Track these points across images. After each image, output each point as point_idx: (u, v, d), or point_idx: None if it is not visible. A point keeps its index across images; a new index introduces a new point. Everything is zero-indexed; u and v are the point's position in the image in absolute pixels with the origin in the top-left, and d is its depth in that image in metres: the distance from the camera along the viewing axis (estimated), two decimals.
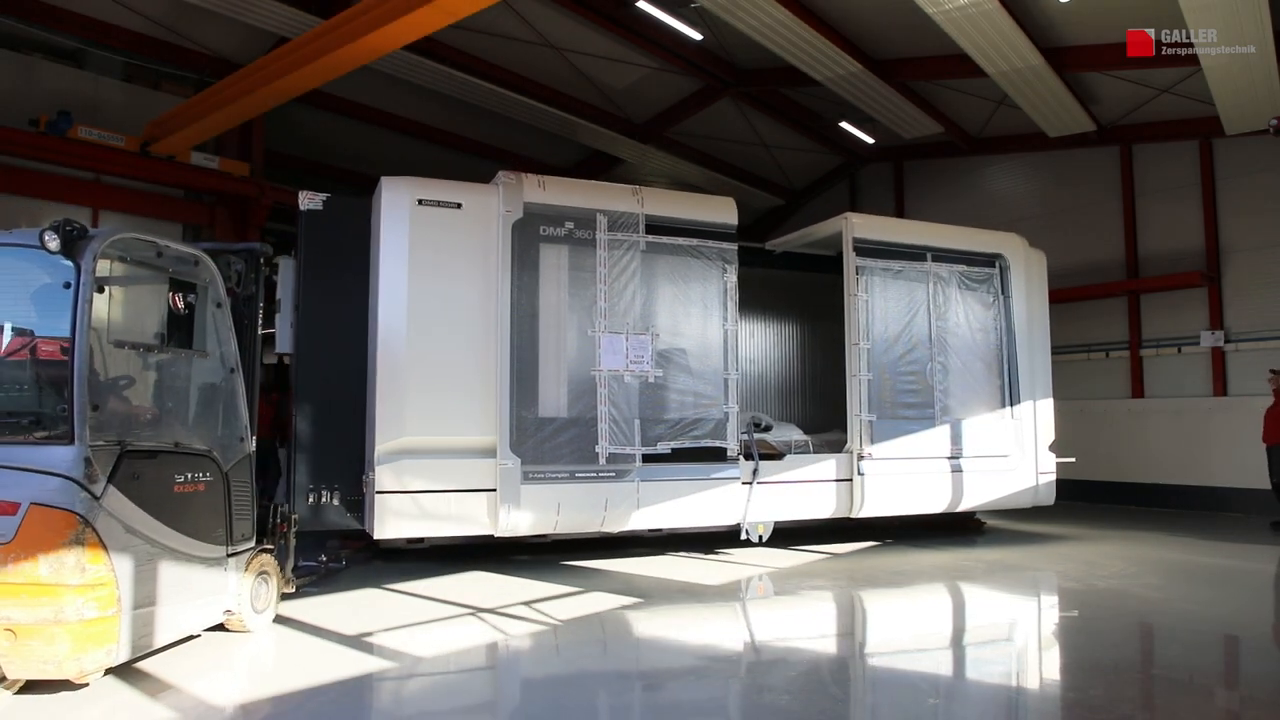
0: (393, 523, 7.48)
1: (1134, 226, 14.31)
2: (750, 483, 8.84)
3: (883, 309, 9.70)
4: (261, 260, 5.97)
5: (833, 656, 5.90)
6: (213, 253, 5.62)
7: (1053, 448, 10.56)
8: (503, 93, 13.22)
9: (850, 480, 9.29)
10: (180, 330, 5.17)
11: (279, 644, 5.56)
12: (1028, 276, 10.69)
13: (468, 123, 14.67)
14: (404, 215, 7.73)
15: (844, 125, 15.34)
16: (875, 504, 9.36)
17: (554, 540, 8.70)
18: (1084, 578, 7.96)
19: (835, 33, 11.61)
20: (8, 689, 4.29)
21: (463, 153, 15.57)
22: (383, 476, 7.42)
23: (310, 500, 6.87)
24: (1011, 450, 10.16)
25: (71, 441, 4.30)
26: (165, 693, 4.56)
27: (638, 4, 11.20)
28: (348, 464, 7.65)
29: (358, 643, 5.59)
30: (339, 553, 8.21)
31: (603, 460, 8.06)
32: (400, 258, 7.67)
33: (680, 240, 8.70)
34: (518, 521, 7.76)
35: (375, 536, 7.53)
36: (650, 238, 8.55)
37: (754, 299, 11.81)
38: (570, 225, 8.24)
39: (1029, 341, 10.55)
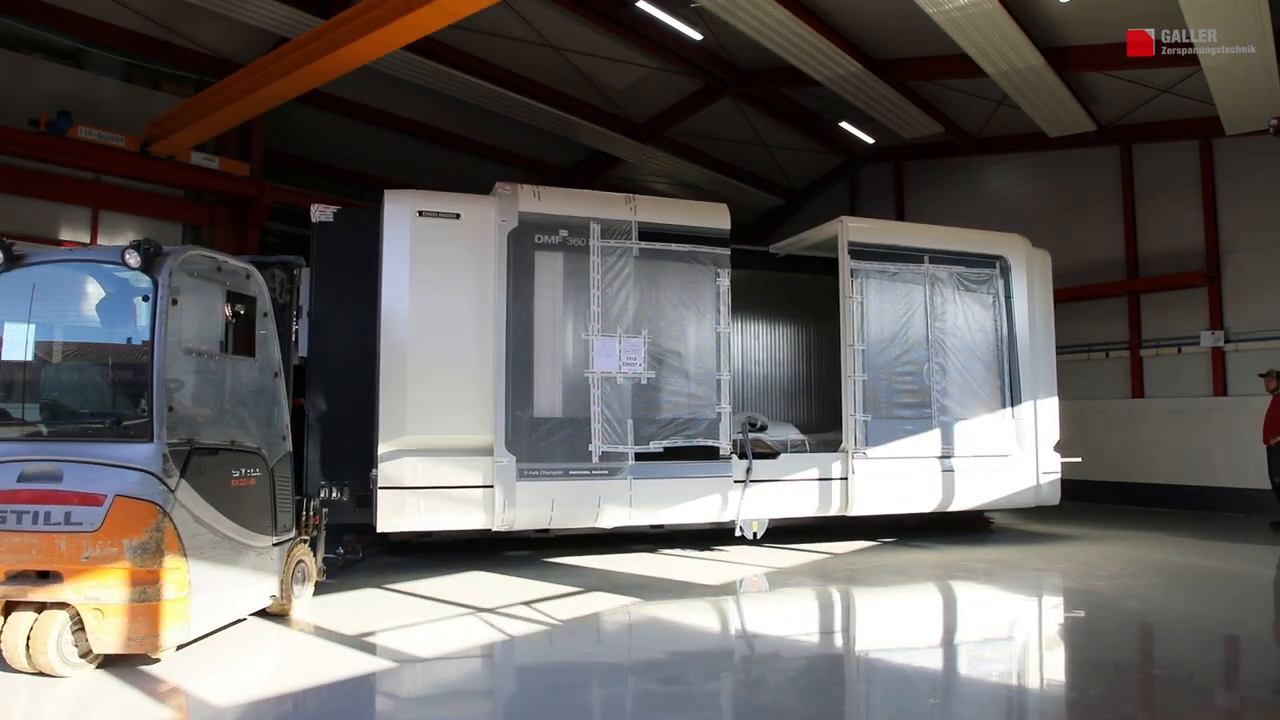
0: (395, 517, 7.83)
1: (1134, 226, 14.31)
2: (743, 481, 8.97)
3: (878, 311, 9.79)
4: (294, 271, 6.45)
5: (829, 655, 5.89)
6: (257, 265, 6.08)
7: (1058, 447, 10.57)
8: (503, 93, 13.22)
9: (845, 479, 9.40)
10: (237, 338, 5.71)
11: (280, 643, 5.58)
12: (1030, 277, 10.70)
13: (468, 123, 14.67)
14: (405, 226, 8.08)
15: (844, 125, 15.35)
16: (868, 503, 9.44)
17: (556, 536, 8.98)
18: (1084, 577, 7.97)
19: (835, 33, 11.61)
20: (90, 663, 4.73)
21: (463, 153, 15.56)
22: (386, 473, 7.79)
23: (322, 496, 7.06)
24: (1012, 450, 10.17)
25: (151, 439, 4.76)
26: (165, 693, 4.57)
27: (638, 4, 11.20)
28: (358, 462, 7.97)
29: (358, 642, 5.60)
30: (355, 545, 8.47)
31: (596, 458, 8.36)
32: (402, 266, 8.03)
33: (673, 246, 8.93)
34: (513, 516, 8.08)
35: (379, 530, 7.86)
36: (643, 244, 8.81)
37: (759, 301, 11.96)
38: (564, 233, 8.54)
39: (1032, 341, 10.55)
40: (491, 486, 8.02)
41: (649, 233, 8.84)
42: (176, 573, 4.76)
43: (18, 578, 4.63)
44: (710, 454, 8.78)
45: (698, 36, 12.19)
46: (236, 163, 11.69)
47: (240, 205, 11.82)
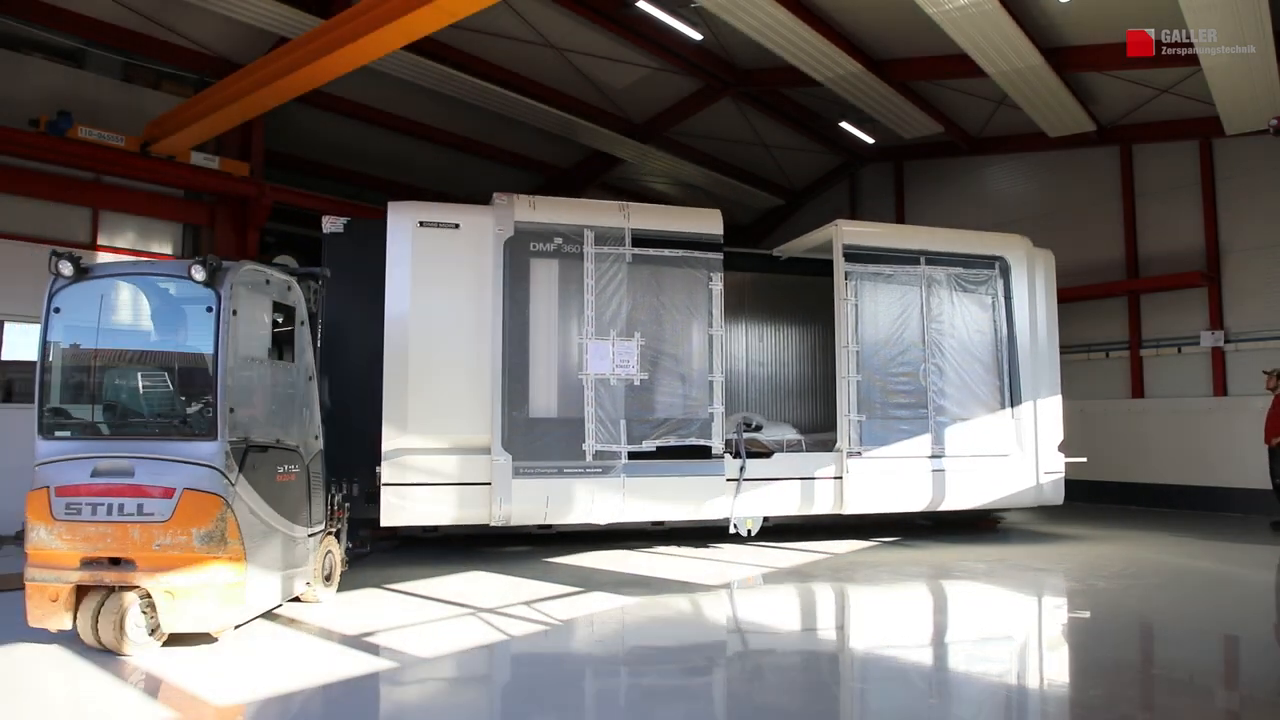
0: (398, 512, 8.14)
1: (1134, 226, 14.31)
2: (736, 479, 9.06)
3: (873, 313, 9.86)
4: (320, 281, 6.82)
5: (825, 653, 5.89)
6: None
7: (1062, 447, 10.57)
8: (503, 93, 13.22)
9: (839, 479, 9.48)
10: (281, 344, 6.22)
11: (280, 643, 5.57)
12: (1032, 277, 10.71)
13: (468, 123, 14.65)
14: (407, 236, 8.42)
15: (844, 125, 15.33)
16: (862, 501, 9.51)
17: (555, 532, 9.29)
18: (1085, 577, 7.97)
19: (835, 33, 11.62)
20: (158, 640, 5.20)
21: (463, 153, 15.56)
22: (389, 471, 8.11)
23: (333, 492, 7.19)
24: (1012, 450, 10.18)
25: (215, 438, 5.26)
26: (166, 692, 4.57)
27: (638, 4, 11.20)
28: (365, 460, 8.23)
29: (358, 642, 5.61)
30: (364, 539, 8.66)
31: (589, 457, 8.58)
32: (404, 274, 8.36)
33: (666, 252, 9.09)
34: (509, 511, 8.33)
35: (382, 524, 8.19)
36: (636, 250, 8.97)
37: (763, 303, 12.04)
38: (559, 241, 8.80)
39: (1034, 341, 10.56)
40: (489, 483, 8.25)
41: (642, 239, 9.04)
42: (237, 559, 5.27)
43: (91, 564, 5.08)
44: (703, 453, 8.91)
45: (698, 36, 12.19)
46: (236, 163, 11.69)
47: (240, 205, 11.83)
